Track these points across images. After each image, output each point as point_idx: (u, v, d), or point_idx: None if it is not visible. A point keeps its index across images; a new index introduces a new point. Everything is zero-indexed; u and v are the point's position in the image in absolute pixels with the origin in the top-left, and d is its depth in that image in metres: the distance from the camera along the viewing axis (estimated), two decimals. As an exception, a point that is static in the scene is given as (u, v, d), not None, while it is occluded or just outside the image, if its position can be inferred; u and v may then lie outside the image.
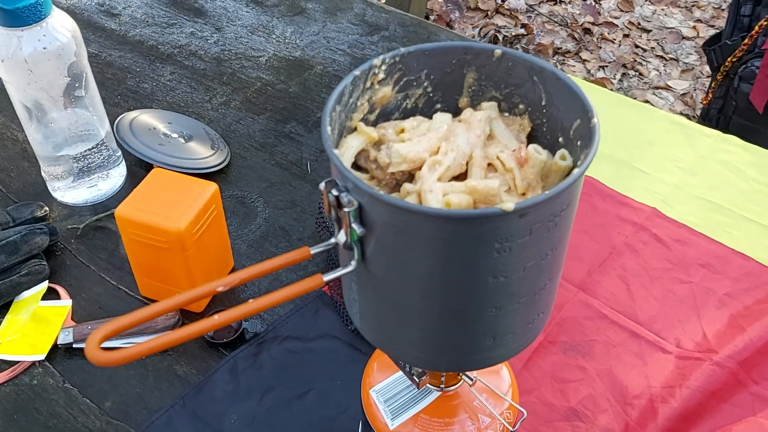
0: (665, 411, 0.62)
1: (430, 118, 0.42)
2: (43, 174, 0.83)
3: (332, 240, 0.38)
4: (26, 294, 0.73)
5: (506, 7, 2.41)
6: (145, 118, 0.88)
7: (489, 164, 0.40)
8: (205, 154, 0.86)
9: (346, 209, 0.34)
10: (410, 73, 0.41)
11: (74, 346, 0.68)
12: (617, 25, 2.40)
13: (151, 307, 0.34)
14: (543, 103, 0.40)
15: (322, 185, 0.36)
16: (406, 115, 0.43)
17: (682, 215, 0.80)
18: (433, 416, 0.50)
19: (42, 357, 0.68)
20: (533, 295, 0.38)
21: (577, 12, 2.45)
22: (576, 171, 0.33)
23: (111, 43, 1.08)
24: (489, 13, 2.36)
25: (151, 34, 1.10)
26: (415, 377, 0.48)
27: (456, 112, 0.43)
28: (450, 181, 0.39)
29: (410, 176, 0.40)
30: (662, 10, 2.45)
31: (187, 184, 0.69)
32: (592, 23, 2.40)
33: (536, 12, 2.41)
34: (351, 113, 0.40)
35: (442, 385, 0.50)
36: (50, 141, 0.78)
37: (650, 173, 0.85)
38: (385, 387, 0.53)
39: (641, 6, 2.48)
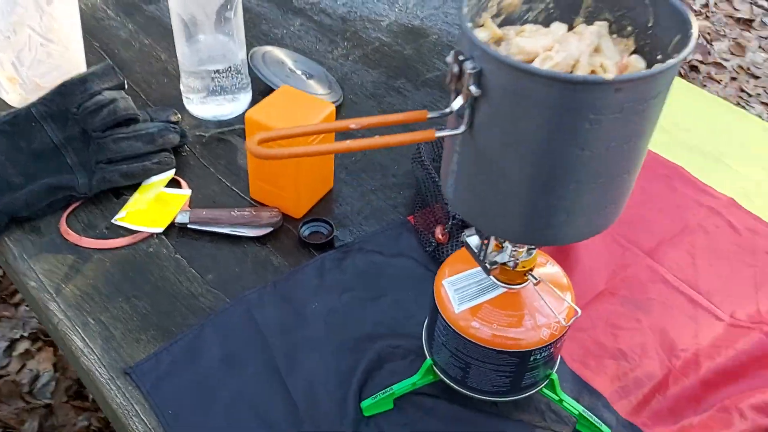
0: (708, 365, 0.66)
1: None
2: (181, 86, 0.94)
3: (447, 109, 0.45)
4: (154, 179, 0.83)
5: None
6: (276, 53, 0.98)
7: (592, 71, 0.46)
8: (322, 92, 0.95)
9: (469, 71, 0.41)
10: (536, -12, 0.48)
11: (189, 226, 0.78)
12: (726, 67, 2.39)
13: (310, 126, 0.42)
14: (650, 24, 0.46)
15: (449, 57, 0.43)
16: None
17: (759, 209, 0.83)
18: (496, 307, 0.56)
19: (160, 230, 0.78)
20: (610, 179, 0.44)
21: (685, 50, 2.45)
22: (670, 60, 0.39)
23: (249, -8, 1.19)
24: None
25: (286, -11, 1.21)
26: (486, 264, 0.54)
27: (569, 29, 0.49)
28: (556, 75, 0.45)
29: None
30: (774, 59, 2.42)
31: (309, 101, 0.78)
32: (701, 62, 2.40)
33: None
34: (482, 11, 0.47)
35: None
36: (195, 55, 0.89)
37: (735, 168, 0.88)
38: (455, 280, 0.59)
39: (753, 53, 2.46)
